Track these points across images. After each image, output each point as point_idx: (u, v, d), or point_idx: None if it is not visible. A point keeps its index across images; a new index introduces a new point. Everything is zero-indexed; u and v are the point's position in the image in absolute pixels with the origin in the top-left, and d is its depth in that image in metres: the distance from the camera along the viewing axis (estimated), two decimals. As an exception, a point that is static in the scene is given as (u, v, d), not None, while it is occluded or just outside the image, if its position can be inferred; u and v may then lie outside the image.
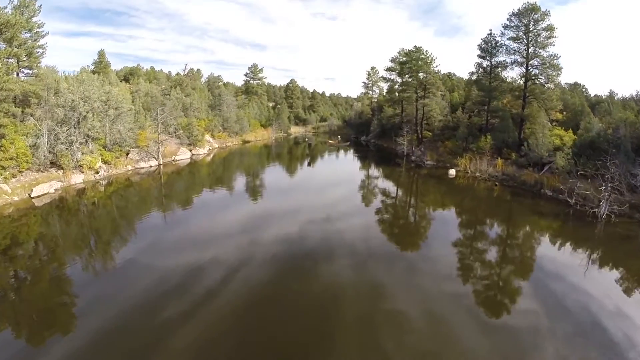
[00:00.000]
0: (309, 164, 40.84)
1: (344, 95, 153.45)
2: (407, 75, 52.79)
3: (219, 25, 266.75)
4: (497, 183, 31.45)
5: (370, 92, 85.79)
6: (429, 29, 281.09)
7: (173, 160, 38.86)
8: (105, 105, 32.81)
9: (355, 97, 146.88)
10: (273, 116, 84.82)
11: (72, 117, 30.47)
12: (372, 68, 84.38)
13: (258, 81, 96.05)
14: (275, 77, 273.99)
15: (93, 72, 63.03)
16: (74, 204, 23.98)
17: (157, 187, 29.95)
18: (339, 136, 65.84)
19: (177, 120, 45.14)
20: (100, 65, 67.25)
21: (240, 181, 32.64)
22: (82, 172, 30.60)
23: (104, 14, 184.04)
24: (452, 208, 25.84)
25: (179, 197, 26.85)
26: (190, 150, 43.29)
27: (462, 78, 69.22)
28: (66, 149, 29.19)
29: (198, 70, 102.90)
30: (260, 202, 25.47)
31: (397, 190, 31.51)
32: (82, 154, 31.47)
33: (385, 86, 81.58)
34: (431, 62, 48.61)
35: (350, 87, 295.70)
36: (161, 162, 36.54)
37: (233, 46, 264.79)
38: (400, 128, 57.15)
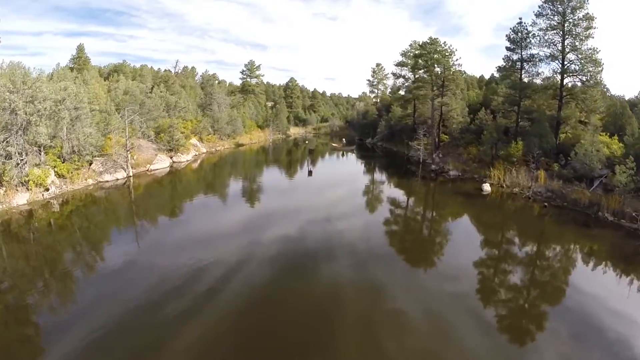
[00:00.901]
0: (309, 174, 34.64)
1: (344, 95, 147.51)
2: (421, 71, 46.58)
3: (220, 25, 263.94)
4: (546, 204, 25.16)
5: (376, 91, 79.53)
6: (430, 29, 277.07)
7: (147, 170, 32.62)
8: (60, 105, 26.53)
9: (357, 96, 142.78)
10: (271, 116, 78.57)
11: (14, 123, 24.22)
12: (378, 65, 78.25)
13: (255, 79, 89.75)
14: (276, 77, 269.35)
15: (71, 69, 57.42)
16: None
17: (116, 208, 23.76)
18: (343, 139, 59.52)
19: (156, 122, 38.90)
20: (79, 61, 61.20)
21: (221, 199, 26.44)
22: (29, 190, 24.39)
23: (105, 14, 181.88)
24: (514, 247, 18.70)
25: (139, 227, 20.65)
26: (171, 157, 37.08)
27: (474, 76, 63.10)
28: (2, 163, 22.97)
29: (193, 68, 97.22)
30: (246, 231, 19.35)
31: (427, 215, 25.34)
32: (37, 165, 25.36)
33: (393, 83, 76.12)
34: (450, 55, 42.38)
35: (351, 87, 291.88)
36: (130, 174, 30.29)
37: (234, 46, 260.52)
38: (413, 130, 50.96)
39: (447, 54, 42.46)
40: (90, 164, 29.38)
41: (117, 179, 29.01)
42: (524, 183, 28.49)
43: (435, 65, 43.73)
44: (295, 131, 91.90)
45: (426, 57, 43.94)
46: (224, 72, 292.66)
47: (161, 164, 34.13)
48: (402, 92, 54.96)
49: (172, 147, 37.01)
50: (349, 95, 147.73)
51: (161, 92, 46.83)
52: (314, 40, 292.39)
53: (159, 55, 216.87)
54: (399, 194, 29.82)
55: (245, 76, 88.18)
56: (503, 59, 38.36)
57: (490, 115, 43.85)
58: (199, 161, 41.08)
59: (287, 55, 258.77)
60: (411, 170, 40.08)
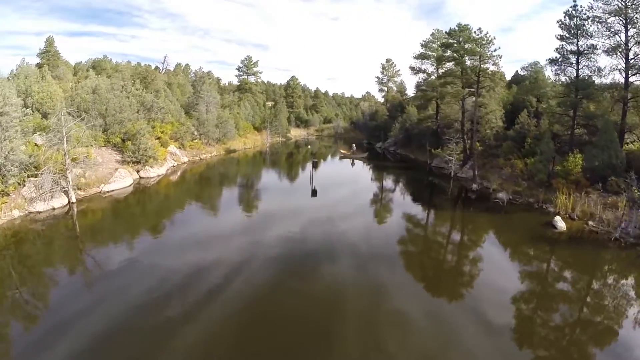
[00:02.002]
0: (314, 194, 26.90)
1: (347, 95, 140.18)
2: (449, 64, 38.69)
3: (222, 26, 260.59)
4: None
5: (385, 89, 71.61)
6: (432, 30, 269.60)
7: (101, 192, 24.85)
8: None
9: (360, 96, 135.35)
10: (270, 116, 70.77)
11: None
12: (388, 60, 70.40)
13: (253, 77, 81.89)
14: (277, 77, 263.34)
15: (39, 65, 49.80)
16: None
17: (36, 259, 16.01)
18: (354, 145, 51.60)
19: (123, 127, 31.19)
20: (48, 55, 53.55)
21: (185, 238, 18.70)
22: None
23: (107, 14, 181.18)
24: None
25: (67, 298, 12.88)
26: (138, 172, 29.32)
27: (502, 72, 55.01)
28: None
29: (187, 65, 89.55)
30: (232, 288, 11.73)
31: (507, 290, 17.50)
32: None
33: (401, 81, 68.56)
34: (487, 43, 34.41)
35: (353, 87, 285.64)
36: (73, 199, 22.51)
37: (235, 46, 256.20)
38: (436, 135, 43.12)
39: (483, 42, 34.52)
40: (24, 186, 21.67)
41: (54, 209, 21.24)
42: (600, 214, 20.70)
43: (468, 57, 35.83)
44: (296, 133, 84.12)
45: (456, 47, 36.05)
46: (226, 72, 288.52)
47: (121, 182, 26.29)
48: (423, 89, 47.06)
49: (139, 159, 29.25)
50: (352, 95, 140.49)
51: (137, 89, 39.09)
52: (315, 40, 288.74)
53: (161, 55, 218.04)
54: (442, 232, 21.82)
55: (242, 73, 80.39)
56: (556, 50, 30.58)
57: (533, 119, 36.11)
58: (177, 173, 33.35)
59: (289, 56, 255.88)
60: (441, 188, 32.27)
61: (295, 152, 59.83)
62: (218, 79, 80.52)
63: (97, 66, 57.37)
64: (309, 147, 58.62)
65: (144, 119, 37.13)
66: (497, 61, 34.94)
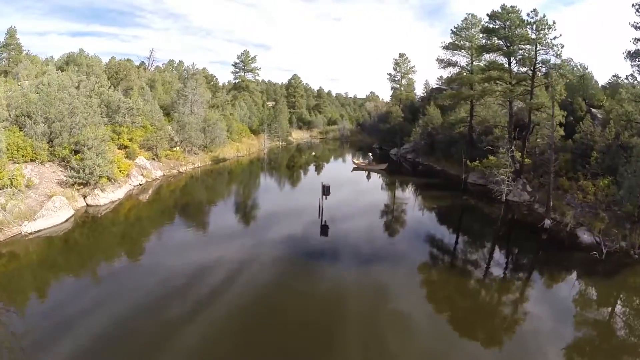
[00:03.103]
0: (324, 231, 19.19)
1: (350, 95, 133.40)
2: (491, 55, 30.86)
3: (224, 26, 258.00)
4: None
5: (398, 87, 63.67)
6: (435, 30, 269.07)
7: (22, 234, 17.04)
8: None
9: (364, 97, 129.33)
10: (269, 118, 63.06)
11: None
12: (401, 55, 62.52)
13: (251, 74, 74.07)
14: (278, 77, 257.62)
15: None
16: None
17: None
18: (370, 154, 43.07)
19: (73, 136, 23.48)
20: (8, 48, 45.91)
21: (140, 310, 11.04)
22: None
23: (109, 14, 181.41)
24: None
25: None
26: (84, 197, 21.59)
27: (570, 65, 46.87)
28: None
29: (180, 62, 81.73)
30: None
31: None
32: None
33: (408, 79, 60.72)
34: (547, 28, 26.62)
35: (355, 87, 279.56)
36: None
37: (237, 46, 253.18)
38: (471, 143, 35.36)
39: (541, 27, 26.73)
40: None
41: None
42: None
43: (519, 46, 28.02)
44: (298, 136, 76.45)
45: (503, 33, 28.23)
46: (227, 72, 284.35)
47: (53, 217, 18.51)
48: (456, 85, 39.19)
49: (87, 180, 21.51)
50: (355, 95, 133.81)
51: (101, 87, 31.43)
52: (317, 40, 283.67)
53: (163, 55, 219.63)
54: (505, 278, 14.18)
55: (238, 69, 72.54)
56: (635, 40, 22.74)
57: (597, 127, 28.35)
58: (143, 196, 25.63)
59: (291, 56, 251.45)
60: (489, 218, 24.54)
61: (297, 158, 52.03)
62: (212, 77, 72.73)
63: (72, 61, 49.65)
64: (314, 153, 50.92)
65: (110, 123, 29.57)
66: (559, 51, 27.12)
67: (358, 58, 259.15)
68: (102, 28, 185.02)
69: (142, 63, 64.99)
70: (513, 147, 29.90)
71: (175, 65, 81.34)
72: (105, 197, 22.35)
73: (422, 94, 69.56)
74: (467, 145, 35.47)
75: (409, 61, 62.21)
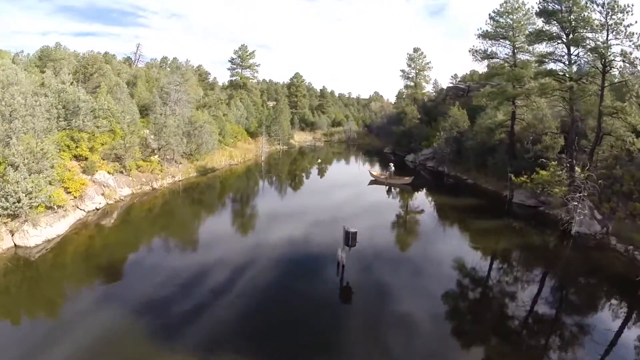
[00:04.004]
0: (345, 297, 12.85)
1: (353, 95, 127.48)
2: (545, 45, 24.38)
3: (225, 26, 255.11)
4: None
5: (413, 84, 57.12)
6: (437, 30, 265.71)
7: None
8: None
9: (368, 97, 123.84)
10: (269, 118, 56.80)
11: None
12: (416, 50, 55.95)
13: (249, 70, 67.71)
14: (279, 77, 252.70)
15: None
16: None
17: None
18: (391, 164, 35.28)
19: (11, 148, 17.15)
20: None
21: None
22: None
23: (111, 14, 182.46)
24: None
25: None
26: (12, 234, 15.33)
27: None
28: None
29: (175, 58, 75.22)
30: None
31: None
32: None
33: (432, 75, 53.87)
34: (620, 11, 20.27)
35: (357, 87, 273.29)
36: None
37: (239, 46, 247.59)
38: (511, 152, 29.05)
39: (611, 10, 20.38)
40: None
41: None
42: None
43: (583, 34, 21.63)
44: (300, 138, 70.12)
45: (563, 16, 21.82)
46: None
47: None
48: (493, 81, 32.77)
49: (15, 212, 15.22)
50: (359, 95, 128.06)
51: (62, 84, 25.20)
52: (318, 40, 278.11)
53: (165, 55, 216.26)
54: None
55: (235, 66, 66.14)
56: None
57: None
58: (104, 222, 19.36)
59: (292, 56, 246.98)
60: (563, 260, 18.02)
61: (300, 166, 45.64)
62: (207, 73, 66.39)
63: (45, 57, 43.24)
64: (319, 160, 44.62)
65: (68, 128, 23.37)
66: (638, 41, 20.67)
67: (360, 58, 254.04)
68: (105, 28, 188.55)
69: (128, 58, 58.82)
70: (573, 159, 23.52)
71: (168, 62, 75.20)
72: (38, 234, 15.97)
73: (431, 94, 63.36)
74: (508, 155, 29.10)
75: (425, 56, 55.79)
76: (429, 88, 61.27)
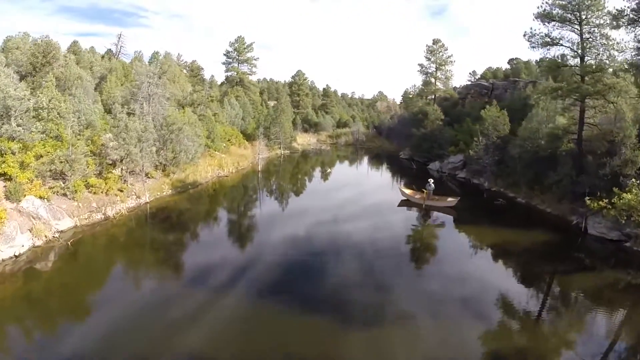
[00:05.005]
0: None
1: (356, 95, 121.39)
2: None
3: (227, 26, 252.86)
4: None
5: (433, 80, 50.27)
6: (438, 30, 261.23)
7: None
8: None
9: (372, 97, 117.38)
10: (268, 118, 50.24)
11: None
12: (436, 41, 49.15)
13: (246, 65, 61.00)
14: (280, 77, 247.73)
15: None
16: None
17: None
18: (431, 181, 25.07)
19: None
20: None
21: None
22: None
23: (113, 15, 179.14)
24: None
25: None
26: None
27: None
28: None
29: (167, 53, 68.33)
30: None
31: None
32: None
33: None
34: None
35: (358, 87, 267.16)
36: None
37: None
38: (583, 168, 22.28)
39: None
40: None
41: None
42: None
43: None
44: (303, 140, 63.37)
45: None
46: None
47: None
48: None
49: None
50: (363, 95, 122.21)
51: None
52: (320, 40, 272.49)
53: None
54: None
55: (231, 59, 59.44)
56: None
57: None
58: (24, 281, 12.76)
59: (293, 56, 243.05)
60: None
61: (305, 175, 38.89)
62: (200, 68, 59.74)
63: (5, 47, 36.47)
64: (329, 169, 37.75)
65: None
66: None
67: (362, 58, 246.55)
68: (107, 29, 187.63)
69: (109, 51, 52.16)
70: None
71: (160, 57, 68.54)
72: None
73: (455, 91, 56.61)
74: (575, 170, 22.35)
75: (446, 49, 48.92)
76: (450, 85, 54.38)
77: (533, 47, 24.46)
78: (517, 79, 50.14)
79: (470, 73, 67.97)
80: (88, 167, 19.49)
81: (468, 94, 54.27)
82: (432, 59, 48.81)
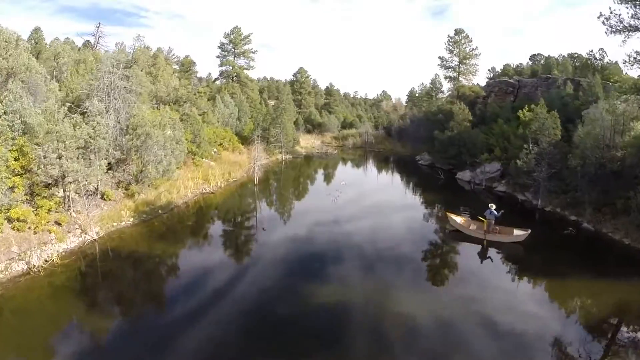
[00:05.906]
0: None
1: (359, 95, 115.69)
2: None
3: (228, 26, 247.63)
4: None
5: (456, 75, 44.12)
6: (439, 30, 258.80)
7: None
8: None
9: (375, 96, 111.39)
10: (267, 119, 44.27)
11: None
12: (459, 32, 43.03)
13: (244, 59, 54.83)
14: (282, 76, 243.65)
15: None
16: None
17: None
18: (492, 206, 17.70)
19: None
20: None
21: None
22: None
23: (114, 15, 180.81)
24: None
25: None
26: None
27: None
28: None
29: (159, 48, 62.34)
30: None
31: None
32: None
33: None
34: None
35: (361, 87, 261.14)
36: None
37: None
38: None
39: None
40: None
41: None
42: None
43: None
44: (306, 142, 57.32)
45: None
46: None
47: None
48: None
49: None
50: (366, 94, 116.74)
51: None
52: (321, 40, 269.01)
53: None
54: None
55: (226, 53, 53.21)
56: None
57: None
58: None
59: (294, 56, 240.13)
60: None
61: (312, 188, 32.74)
62: (192, 63, 53.53)
63: None
64: (343, 182, 31.32)
65: None
66: None
67: (364, 58, 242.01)
68: (108, 29, 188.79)
69: (87, 42, 46.09)
70: None
71: (151, 53, 62.45)
72: None
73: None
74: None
75: (470, 40, 42.76)
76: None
77: (611, 32, 18.81)
78: (550, 76, 44.18)
79: (489, 70, 61.74)
80: (14, 191, 13.46)
81: (491, 92, 48.33)
82: (455, 51, 42.67)
